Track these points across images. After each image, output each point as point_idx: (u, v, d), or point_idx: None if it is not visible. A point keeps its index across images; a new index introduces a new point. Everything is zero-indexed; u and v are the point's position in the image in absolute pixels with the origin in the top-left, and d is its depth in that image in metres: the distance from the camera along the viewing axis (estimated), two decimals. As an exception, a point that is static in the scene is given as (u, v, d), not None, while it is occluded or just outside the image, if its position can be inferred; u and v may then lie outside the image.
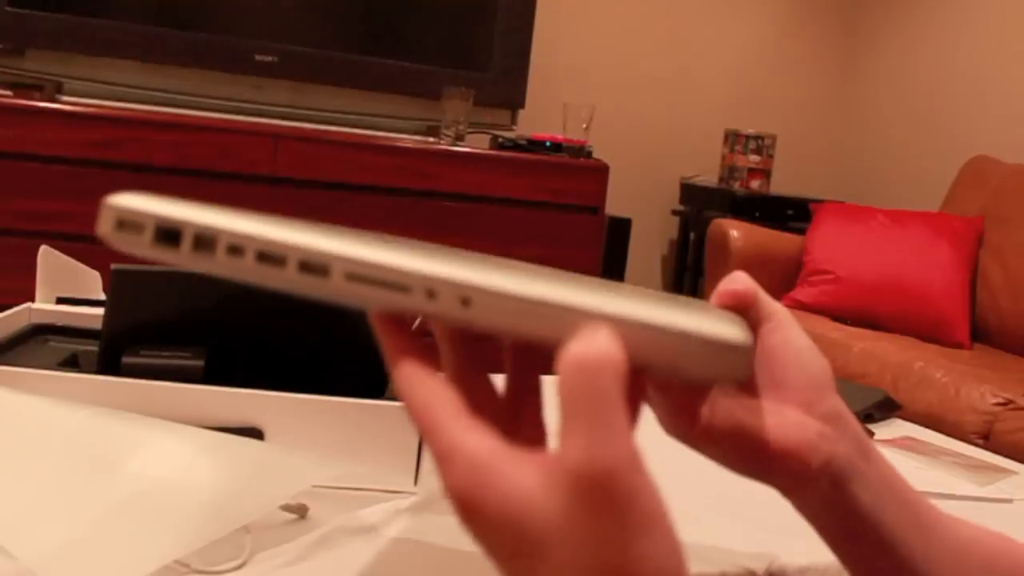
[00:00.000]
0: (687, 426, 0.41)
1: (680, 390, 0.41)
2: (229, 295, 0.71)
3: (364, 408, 0.68)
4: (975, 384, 2.03)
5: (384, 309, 0.32)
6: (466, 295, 0.30)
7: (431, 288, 0.30)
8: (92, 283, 0.94)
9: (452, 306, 0.30)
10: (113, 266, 0.68)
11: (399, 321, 0.34)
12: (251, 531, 0.58)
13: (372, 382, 0.79)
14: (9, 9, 2.28)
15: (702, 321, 0.30)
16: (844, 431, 0.42)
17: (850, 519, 0.42)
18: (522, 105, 2.74)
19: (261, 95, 2.55)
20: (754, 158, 3.17)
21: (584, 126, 2.70)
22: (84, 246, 2.16)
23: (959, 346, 2.44)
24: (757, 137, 3.17)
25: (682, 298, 0.34)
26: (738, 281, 0.42)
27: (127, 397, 0.66)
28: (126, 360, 0.68)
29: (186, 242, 0.31)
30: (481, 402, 0.35)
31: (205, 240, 0.31)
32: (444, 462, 0.31)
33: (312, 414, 0.68)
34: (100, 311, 0.77)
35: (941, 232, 2.59)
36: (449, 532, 0.64)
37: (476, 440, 0.31)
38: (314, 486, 0.59)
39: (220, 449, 0.58)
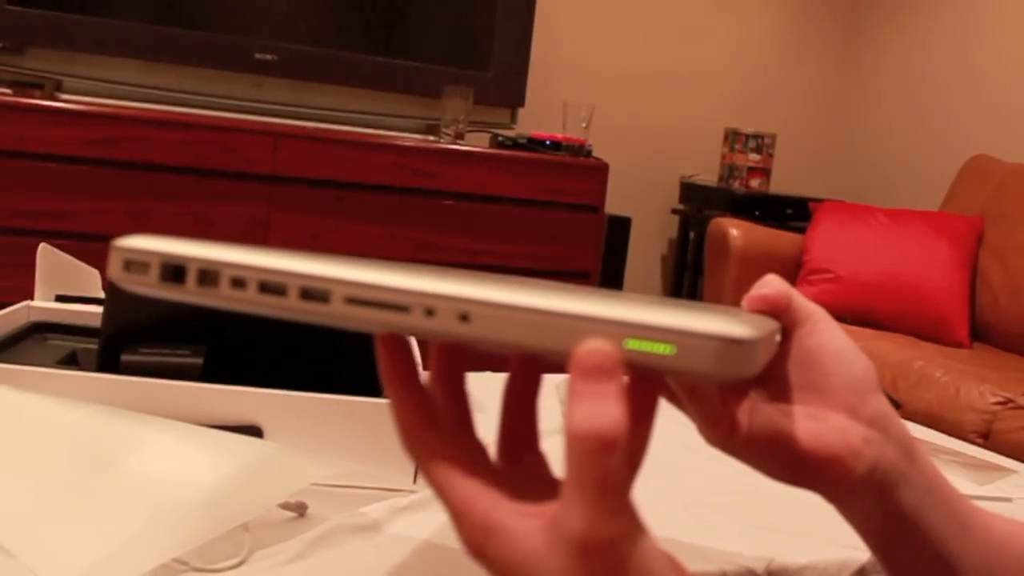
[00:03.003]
0: (727, 435, 0.41)
1: (717, 399, 0.41)
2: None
3: (363, 406, 0.68)
4: (975, 383, 2.03)
5: (386, 331, 0.32)
6: (464, 310, 0.30)
7: (429, 306, 0.31)
8: (91, 281, 0.94)
9: (451, 322, 0.30)
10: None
11: (402, 349, 0.34)
12: (250, 529, 0.58)
13: (371, 381, 0.79)
14: (9, 7, 2.28)
15: (703, 320, 0.30)
16: (889, 433, 0.41)
17: (895, 523, 0.41)
18: (522, 104, 2.73)
19: (261, 93, 2.55)
20: (754, 157, 3.17)
21: (584, 125, 2.70)
22: (83, 244, 2.16)
23: (959, 345, 2.44)
24: (757, 136, 3.17)
25: (691, 302, 0.34)
26: (769, 285, 0.42)
27: (126, 395, 0.66)
28: (125, 358, 0.68)
29: (191, 278, 0.32)
30: (468, 422, 0.36)
31: (209, 274, 0.32)
32: (456, 518, 0.32)
33: (311, 412, 0.68)
34: (99, 309, 0.77)
35: (941, 231, 2.59)
36: (448, 531, 0.64)
37: (484, 501, 0.32)
38: (313, 484, 0.59)
39: (219, 447, 0.58)
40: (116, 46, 2.38)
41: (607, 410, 0.29)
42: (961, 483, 0.88)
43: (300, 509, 0.63)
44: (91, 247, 2.20)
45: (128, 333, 0.70)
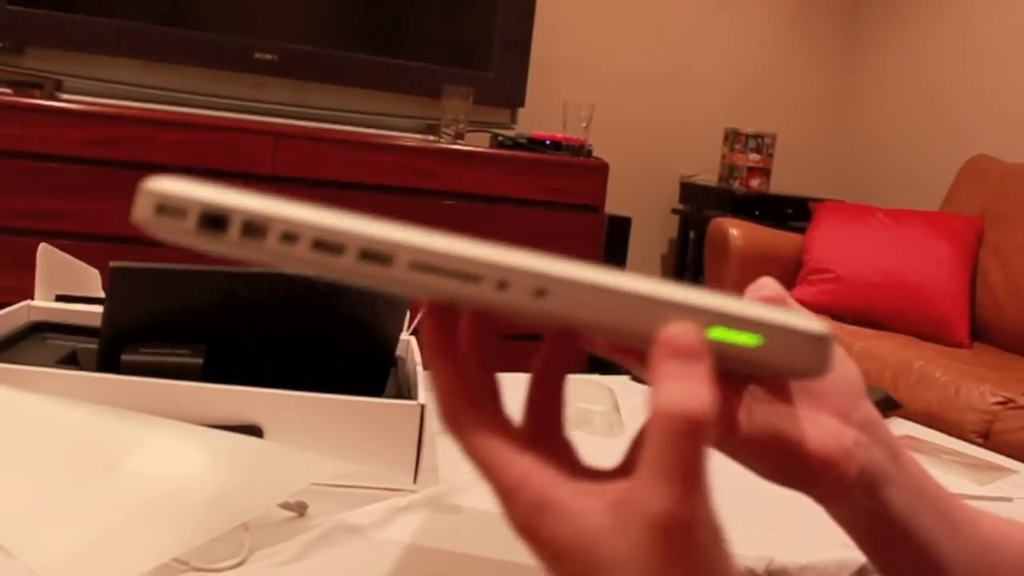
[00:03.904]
0: (724, 435, 0.41)
1: (719, 399, 0.41)
2: (228, 293, 0.71)
3: (363, 406, 0.68)
4: (975, 383, 2.03)
5: (446, 300, 0.31)
6: (541, 286, 0.29)
7: (503, 278, 0.29)
8: (91, 281, 0.94)
9: (524, 297, 0.30)
10: (112, 264, 0.68)
11: (449, 317, 0.33)
12: (250, 529, 0.58)
13: (372, 380, 0.79)
14: (9, 7, 2.28)
15: (784, 315, 0.30)
16: (878, 437, 0.42)
17: (884, 525, 0.42)
18: (522, 104, 2.73)
19: (261, 93, 2.55)
20: (754, 157, 3.17)
21: (584, 125, 2.70)
22: (83, 244, 2.17)
23: (959, 345, 2.44)
24: (757, 136, 3.17)
25: (758, 301, 0.34)
26: (766, 288, 0.42)
27: (126, 394, 0.66)
28: (125, 358, 0.68)
29: (234, 228, 0.30)
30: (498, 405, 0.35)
31: (255, 227, 0.30)
32: (507, 495, 0.31)
33: (311, 412, 0.68)
34: (99, 309, 0.77)
35: (941, 231, 2.59)
36: (447, 531, 0.64)
37: (538, 478, 0.31)
38: (313, 484, 0.59)
39: (219, 447, 0.58)
40: (116, 46, 2.38)
41: (699, 392, 0.28)
42: (961, 483, 0.87)
43: (300, 509, 0.62)
44: (91, 247, 2.21)
45: (128, 333, 0.70)
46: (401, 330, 0.79)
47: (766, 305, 0.31)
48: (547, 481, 0.31)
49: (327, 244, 0.30)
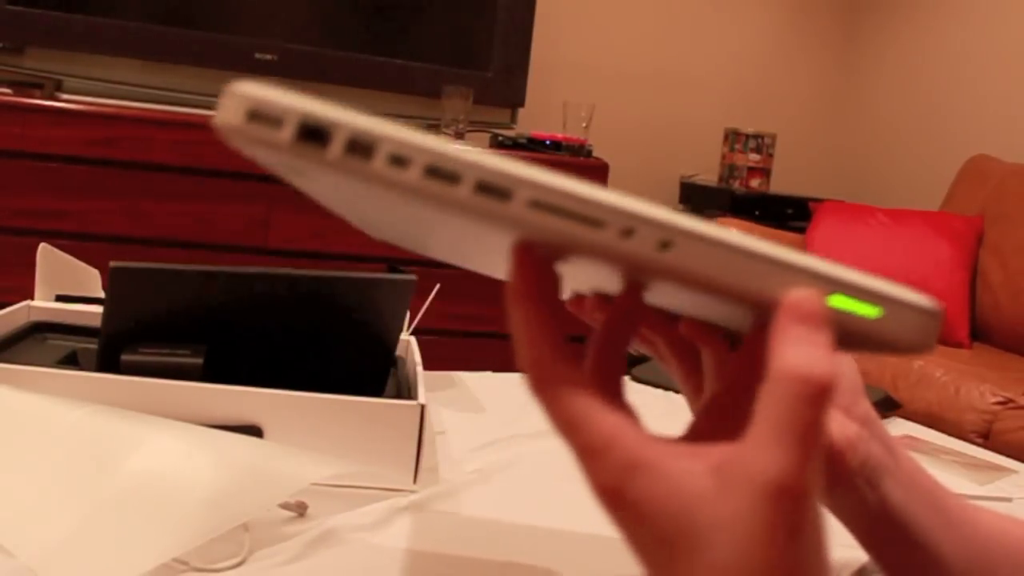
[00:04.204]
0: None
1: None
2: (228, 293, 0.71)
3: (363, 406, 0.68)
4: (975, 383, 2.03)
5: (562, 244, 0.29)
6: (667, 238, 0.28)
7: (629, 226, 0.28)
8: (91, 281, 0.94)
9: (648, 247, 0.28)
10: (112, 264, 0.68)
11: (548, 269, 0.31)
12: (250, 529, 0.58)
13: (372, 380, 0.79)
14: (9, 7, 2.28)
15: (899, 288, 0.29)
16: (876, 432, 0.43)
17: (883, 517, 0.43)
18: (522, 104, 2.73)
19: (261, 93, 2.55)
20: (754, 157, 3.17)
21: (584, 125, 2.70)
22: (83, 244, 2.17)
23: (959, 345, 2.44)
24: (757, 136, 3.17)
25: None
26: None
27: (126, 395, 0.66)
28: (125, 358, 0.68)
29: (337, 144, 0.27)
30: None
31: (362, 144, 0.27)
32: (596, 454, 0.30)
33: (311, 412, 0.68)
34: (99, 309, 0.77)
35: (941, 231, 2.59)
36: (447, 531, 0.64)
37: (632, 437, 0.30)
38: (313, 484, 0.59)
39: (219, 447, 0.58)
40: (116, 46, 2.38)
41: (826, 357, 0.28)
42: (961, 483, 0.88)
43: (300, 509, 0.62)
44: (91, 247, 2.21)
45: (128, 333, 0.70)
46: (401, 330, 0.79)
47: (881, 278, 0.30)
48: (640, 440, 0.29)
49: (442, 171, 0.27)
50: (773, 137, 3.19)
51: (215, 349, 0.70)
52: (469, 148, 0.28)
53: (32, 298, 0.87)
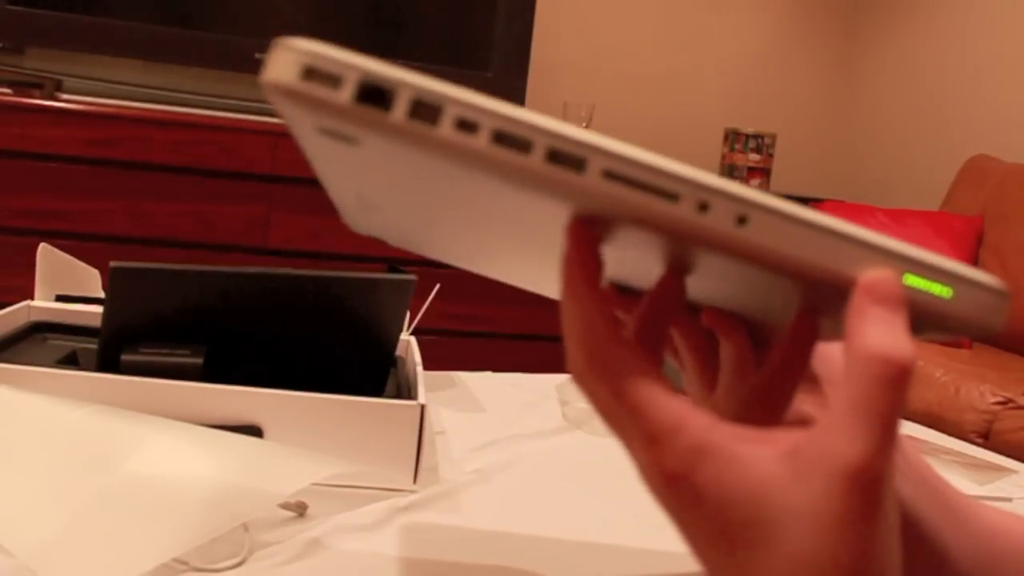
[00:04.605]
0: None
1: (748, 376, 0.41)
2: (228, 293, 0.71)
3: (364, 406, 0.68)
4: (975, 383, 2.03)
5: (635, 218, 0.27)
6: (744, 213, 0.27)
7: (705, 200, 0.27)
8: (91, 281, 0.94)
9: (725, 222, 0.27)
10: (112, 264, 0.68)
11: (598, 249, 0.30)
12: (250, 529, 0.58)
13: (372, 380, 0.79)
14: (9, 7, 2.28)
15: (969, 269, 0.29)
16: None
17: None
18: (522, 104, 2.73)
19: (261, 93, 2.55)
20: (754, 157, 3.17)
21: (584, 125, 2.70)
22: (83, 244, 2.17)
23: (959, 345, 2.44)
24: (757, 136, 3.17)
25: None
26: None
27: (126, 395, 0.66)
28: (125, 358, 0.68)
29: (400, 106, 0.25)
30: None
31: (428, 107, 0.25)
32: (660, 440, 0.28)
33: (311, 412, 0.68)
34: (99, 309, 0.77)
35: (941, 231, 2.59)
36: (447, 531, 0.64)
37: (698, 420, 0.28)
38: (313, 484, 0.59)
39: (219, 447, 0.58)
40: (116, 46, 2.38)
41: (905, 338, 0.27)
42: (961, 483, 0.88)
43: (300, 509, 0.63)
44: (91, 247, 2.21)
45: (128, 333, 0.70)
46: (401, 330, 0.79)
47: (951, 259, 0.30)
48: (707, 424, 0.28)
49: (512, 138, 0.26)
50: (773, 137, 3.19)
51: (215, 349, 0.70)
52: (538, 114, 0.26)
53: (32, 298, 0.87)
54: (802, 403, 0.42)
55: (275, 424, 0.68)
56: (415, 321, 0.95)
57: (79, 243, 2.16)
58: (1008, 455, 1.02)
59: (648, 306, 0.33)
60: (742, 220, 0.27)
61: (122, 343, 0.69)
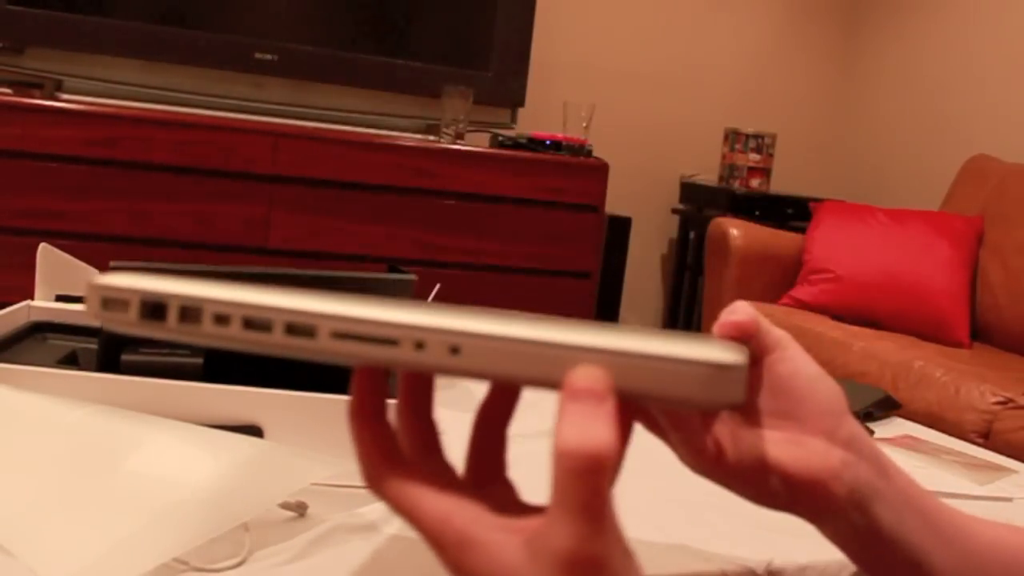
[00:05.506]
0: (713, 463, 0.42)
1: (701, 428, 0.41)
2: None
3: (363, 406, 0.68)
4: (975, 383, 2.03)
5: (373, 365, 0.32)
6: (455, 343, 0.30)
7: (419, 339, 0.30)
8: (91, 281, 0.94)
9: (441, 355, 0.30)
10: (112, 264, 0.68)
11: (380, 387, 0.35)
12: (250, 529, 0.58)
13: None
14: (9, 7, 2.28)
15: (691, 347, 0.30)
16: (863, 453, 0.42)
17: (876, 540, 0.42)
18: (522, 104, 2.73)
19: (261, 93, 2.55)
20: (754, 157, 3.17)
21: (584, 125, 2.70)
22: (83, 244, 2.17)
23: (959, 345, 2.44)
24: (757, 136, 3.17)
25: (676, 332, 0.34)
26: (738, 312, 0.42)
27: (126, 395, 0.66)
28: (125, 358, 0.68)
29: (172, 315, 0.32)
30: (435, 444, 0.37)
31: (191, 311, 0.31)
32: (433, 538, 0.33)
33: (312, 412, 0.68)
34: (99, 309, 0.77)
35: (941, 231, 2.59)
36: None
37: (459, 517, 0.32)
38: (313, 484, 0.59)
39: (219, 447, 0.58)
40: (116, 46, 2.38)
41: (597, 430, 0.29)
42: (961, 483, 0.88)
43: (300, 509, 0.62)
44: (91, 247, 2.21)
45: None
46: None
47: (676, 337, 0.31)
48: (469, 519, 0.32)
49: (255, 322, 0.31)
50: (773, 137, 3.19)
51: (215, 349, 0.70)
52: (286, 293, 0.32)
53: (32, 298, 0.87)
54: (753, 439, 0.41)
55: (275, 424, 0.68)
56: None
57: (79, 243, 2.15)
58: (1008, 455, 1.02)
59: (402, 400, 0.36)
60: (455, 350, 0.30)
61: (122, 343, 0.69)
